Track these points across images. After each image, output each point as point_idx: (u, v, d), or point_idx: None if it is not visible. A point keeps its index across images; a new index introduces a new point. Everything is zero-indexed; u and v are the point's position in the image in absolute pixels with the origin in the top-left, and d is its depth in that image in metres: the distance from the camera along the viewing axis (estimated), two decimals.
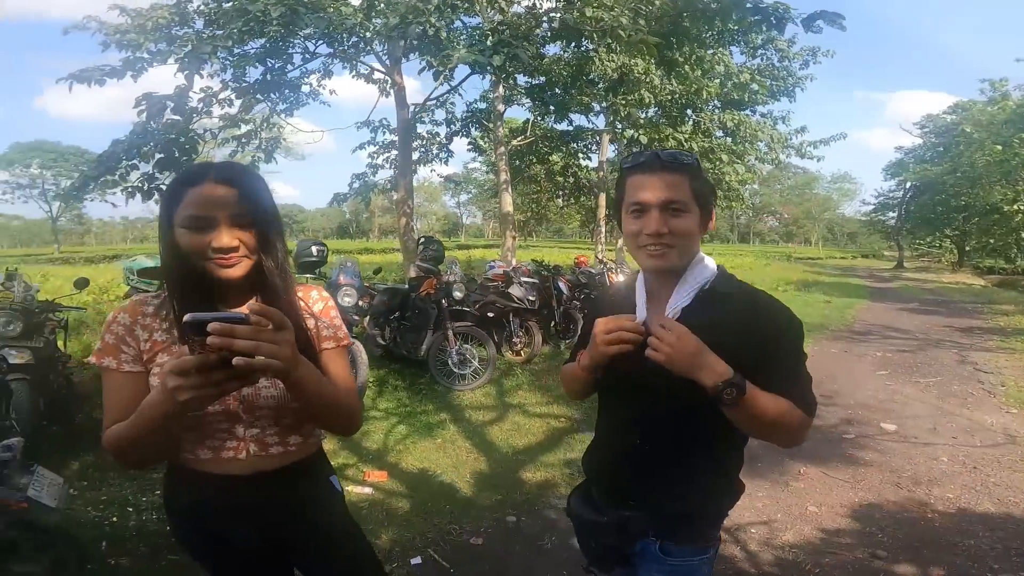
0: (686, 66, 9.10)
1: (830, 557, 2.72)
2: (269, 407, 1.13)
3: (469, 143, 17.33)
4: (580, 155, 16.04)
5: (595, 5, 6.22)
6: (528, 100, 12.75)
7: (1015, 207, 20.13)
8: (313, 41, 7.52)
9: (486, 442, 4.26)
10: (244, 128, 8.17)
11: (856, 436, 4.34)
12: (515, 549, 2.85)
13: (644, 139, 10.89)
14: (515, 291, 6.03)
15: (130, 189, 6.11)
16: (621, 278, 8.07)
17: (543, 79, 10.77)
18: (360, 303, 4.74)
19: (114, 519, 2.97)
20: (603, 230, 14.79)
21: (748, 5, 5.43)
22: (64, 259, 28.18)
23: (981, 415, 4.81)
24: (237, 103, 7.38)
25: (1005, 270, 28.02)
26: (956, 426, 4.55)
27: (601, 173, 14.53)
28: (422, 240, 5.92)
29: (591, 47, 8.30)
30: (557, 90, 11.03)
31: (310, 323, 1.22)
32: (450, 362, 5.34)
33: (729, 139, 12.91)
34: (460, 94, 10.99)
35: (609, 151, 15.06)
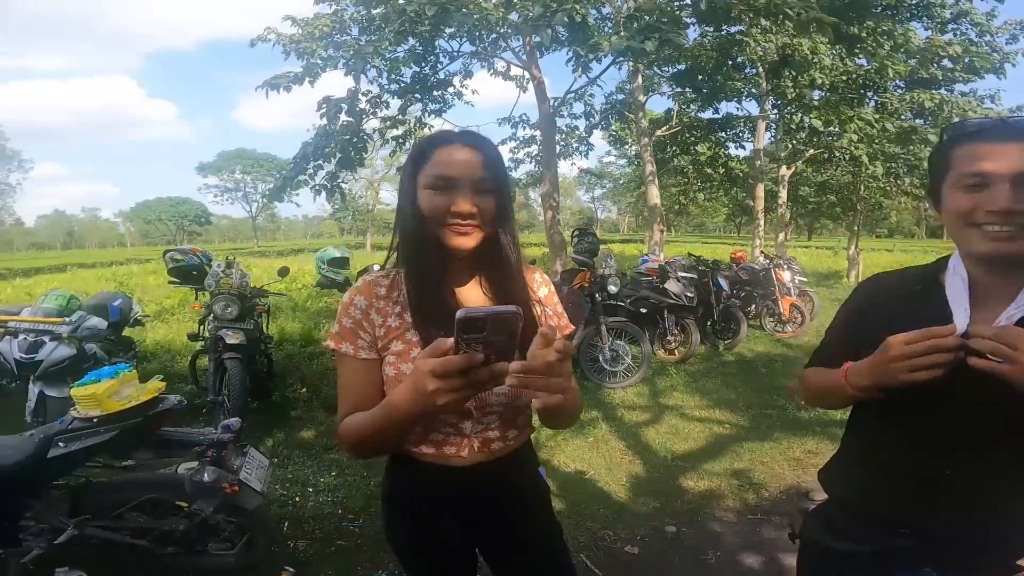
0: (870, 42, 7.95)
1: None
2: (500, 404, 1.09)
3: (609, 135, 17.00)
4: (730, 144, 14.87)
5: None
6: (674, 88, 12.11)
7: None
8: (458, 39, 7.83)
9: (641, 444, 4.04)
10: (400, 129, 8.77)
11: None
12: (674, 561, 2.65)
13: (819, 123, 9.70)
14: (672, 286, 5.68)
15: (317, 188, 6.83)
16: (788, 275, 7.27)
17: (683, 66, 10.15)
18: None
19: (296, 498, 3.16)
20: (761, 223, 13.53)
21: None
22: (261, 252, 32.96)
23: None
24: (395, 105, 7.95)
25: None
26: None
27: (758, 162, 13.28)
28: (576, 232, 5.83)
29: (739, 29, 7.62)
30: (702, 77, 10.33)
31: (535, 309, 1.13)
32: (601, 358, 5.20)
33: (919, 120, 11.13)
34: (600, 86, 10.79)
35: (765, 139, 13.74)
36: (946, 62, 10.62)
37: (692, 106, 13.20)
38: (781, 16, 5.60)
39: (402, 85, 7.92)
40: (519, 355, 0.83)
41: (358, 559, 2.66)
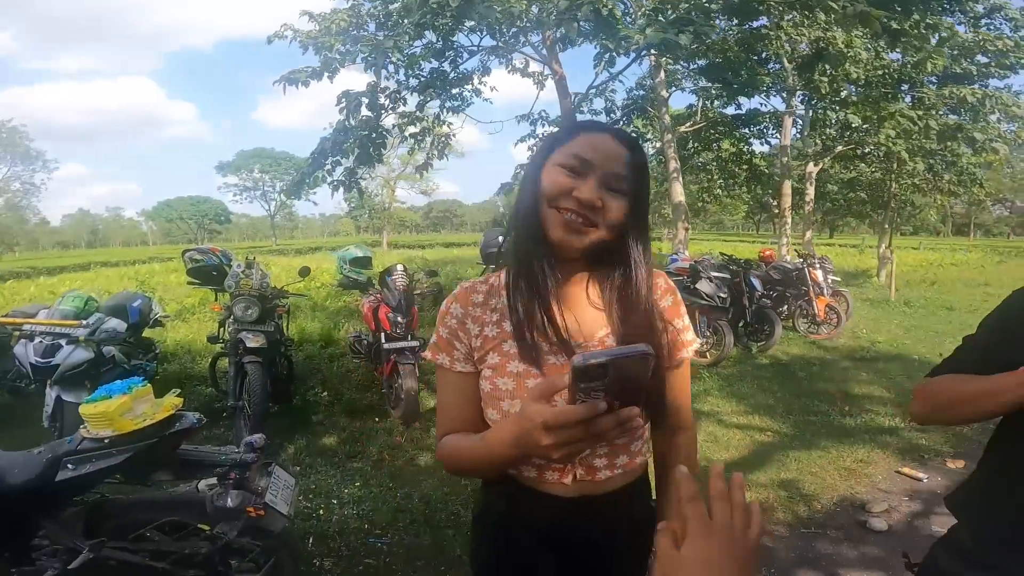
0: (915, 35, 7.60)
1: None
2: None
3: (630, 131, 16.71)
4: (753, 140, 14.49)
5: None
6: (697, 82, 11.81)
7: None
8: (478, 33, 7.67)
9: None
10: (418, 126, 8.63)
11: None
12: None
13: (855, 119, 9.35)
14: (704, 287, 5.45)
15: (335, 183, 6.74)
16: (821, 274, 6.98)
17: (705, 61, 9.84)
18: None
19: (320, 511, 3.03)
20: (788, 221, 13.15)
21: None
22: (279, 250, 33.05)
23: None
24: (413, 101, 7.81)
25: None
26: None
27: (784, 159, 12.90)
28: None
29: (763, 23, 7.35)
30: (732, 72, 10.03)
31: (663, 336, 0.99)
32: None
33: (954, 116, 10.71)
34: (621, 81, 10.55)
35: (791, 135, 13.35)
36: (980, 57, 10.20)
37: (716, 102, 12.87)
38: (819, 9, 5.35)
39: (422, 80, 7.78)
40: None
41: None
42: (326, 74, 6.66)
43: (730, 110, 12.91)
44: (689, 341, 1.05)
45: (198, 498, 2.05)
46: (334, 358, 5.85)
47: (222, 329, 4.28)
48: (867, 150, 11.25)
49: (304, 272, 4.57)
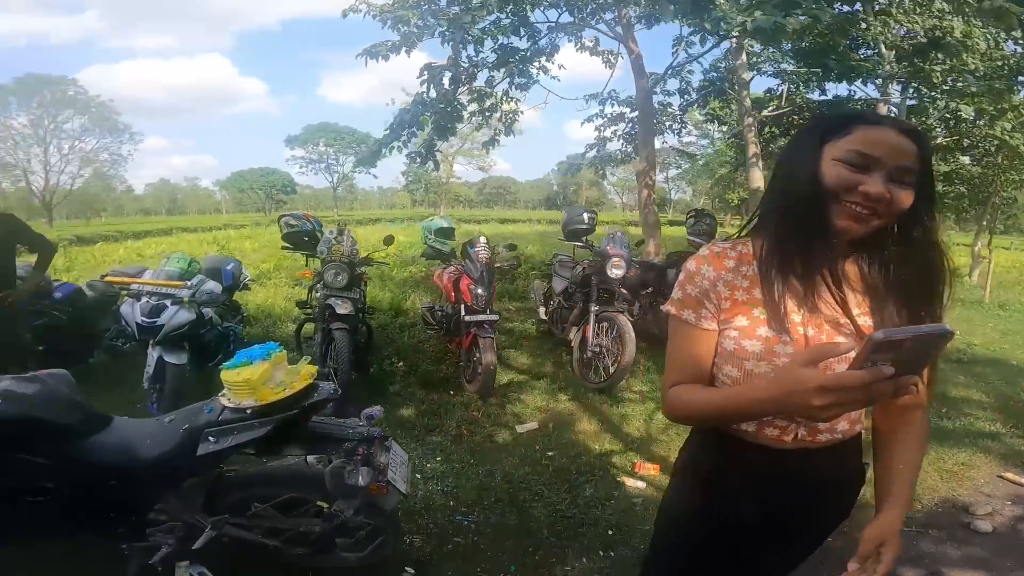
0: None
1: None
2: None
3: (706, 114, 15.97)
4: None
5: None
6: (780, 65, 11.07)
7: None
8: (557, 9, 7.45)
9: None
10: (487, 102, 8.53)
11: None
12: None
13: (967, 109, 8.56)
14: None
15: (412, 154, 6.79)
16: None
17: (793, 44, 9.17)
18: (628, 275, 4.46)
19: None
20: None
21: None
22: (341, 221, 33.98)
23: None
24: (481, 77, 7.71)
25: None
26: None
27: None
28: (692, 213, 5.39)
29: (860, 7, 6.76)
30: (832, 56, 9.33)
31: None
32: None
33: None
34: (700, 62, 10.09)
35: None
36: None
37: (803, 87, 12.05)
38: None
39: (498, 55, 7.66)
40: None
41: (477, 560, 2.48)
42: (404, 48, 6.71)
43: (816, 95, 12.08)
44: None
45: (315, 473, 1.98)
46: (404, 328, 5.91)
47: (311, 295, 4.35)
48: (972, 143, 10.27)
49: (388, 241, 4.58)
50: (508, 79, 8.32)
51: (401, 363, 4.84)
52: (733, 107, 12.21)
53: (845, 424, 1.05)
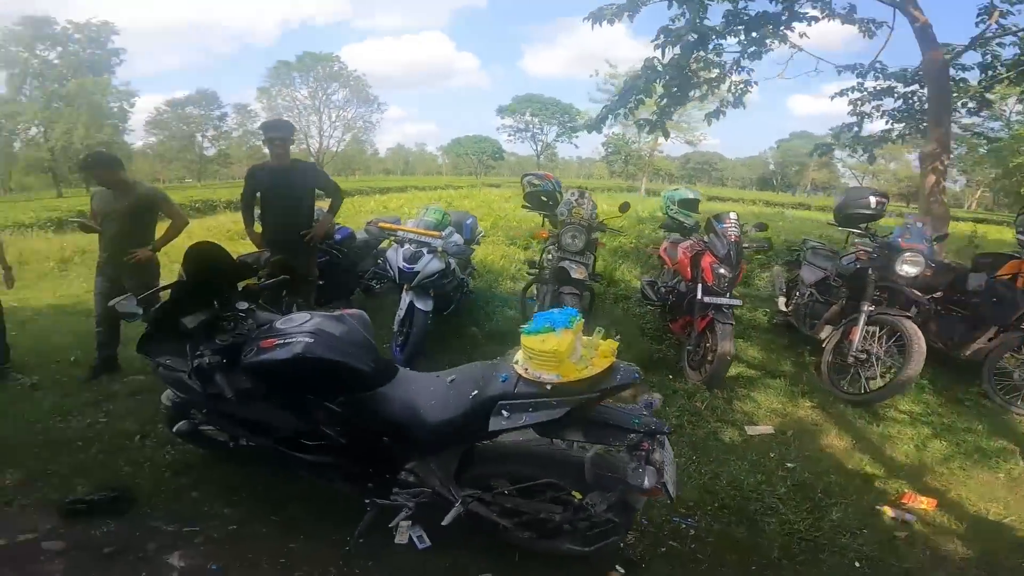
0: None
1: None
2: None
3: (1021, 92, 12.44)
4: None
5: None
6: None
7: None
8: None
9: None
10: (714, 72, 7.68)
11: None
12: None
13: None
14: None
15: (642, 122, 6.50)
16: None
17: None
18: (926, 274, 3.63)
19: None
20: None
21: None
22: (581, 185, 34.88)
23: None
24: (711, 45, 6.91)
25: None
26: None
27: None
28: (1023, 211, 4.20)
29: None
30: None
31: None
32: (1017, 375, 3.76)
33: None
34: (1018, 35, 7.71)
35: None
36: None
37: None
38: None
39: (747, 19, 6.79)
40: None
41: (693, 569, 2.25)
42: (627, 13, 6.36)
43: None
44: None
45: (576, 460, 1.79)
46: (618, 299, 5.72)
47: (542, 256, 4.40)
48: None
49: (624, 208, 4.40)
50: (743, 47, 7.43)
51: (618, 336, 4.67)
52: None
53: None
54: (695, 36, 5.93)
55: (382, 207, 13.46)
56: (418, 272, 3.62)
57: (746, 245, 3.97)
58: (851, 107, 9.17)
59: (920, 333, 3.44)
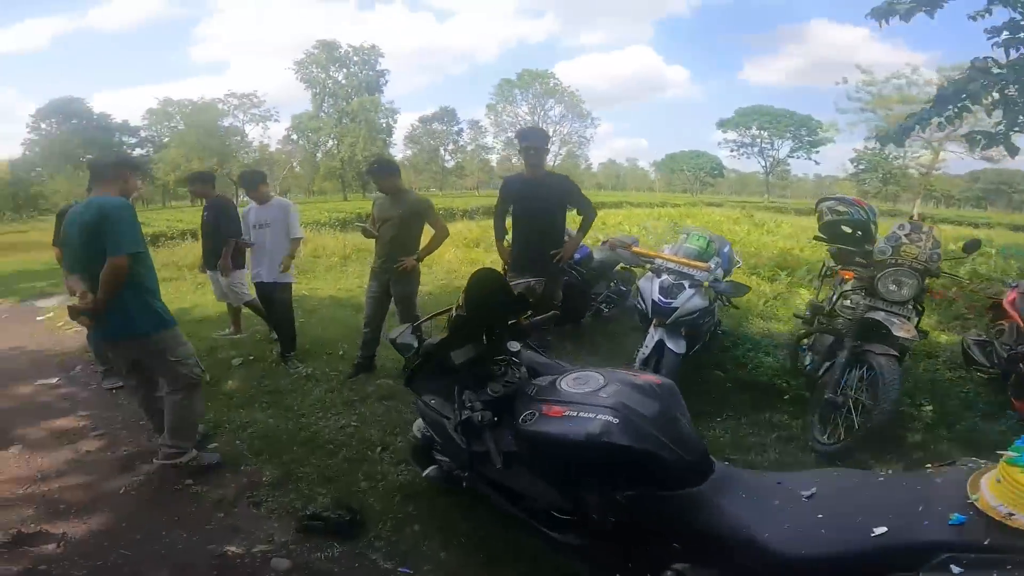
0: None
1: None
2: None
3: None
4: None
5: None
6: None
7: None
8: None
9: None
10: None
11: None
12: None
13: None
14: None
15: (972, 134, 5.06)
16: None
17: None
18: None
19: None
20: None
21: None
22: (776, 208, 30.94)
23: None
24: None
25: None
26: None
27: None
28: None
29: None
30: None
31: None
32: None
33: None
34: None
35: None
36: None
37: None
38: None
39: None
40: None
41: None
42: (924, 9, 5.24)
43: None
44: None
45: None
46: (917, 356, 4.31)
47: (836, 299, 3.39)
48: None
49: (971, 247, 3.16)
50: None
51: (930, 407, 3.43)
52: None
53: None
54: None
55: (600, 223, 13.25)
56: (676, 308, 3.04)
57: None
58: None
59: None
